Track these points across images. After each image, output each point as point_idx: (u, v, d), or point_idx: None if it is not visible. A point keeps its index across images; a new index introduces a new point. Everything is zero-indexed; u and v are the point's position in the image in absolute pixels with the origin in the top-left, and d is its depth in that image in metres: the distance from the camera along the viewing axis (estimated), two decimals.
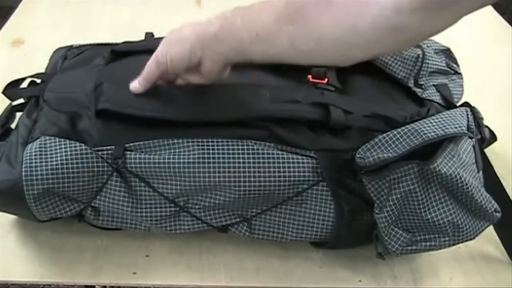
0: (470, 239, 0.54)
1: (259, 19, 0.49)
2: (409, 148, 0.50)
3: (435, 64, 0.64)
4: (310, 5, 0.46)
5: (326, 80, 0.59)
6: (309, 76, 0.59)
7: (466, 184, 0.51)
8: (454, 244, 0.54)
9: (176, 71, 0.54)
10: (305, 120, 0.54)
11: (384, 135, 0.51)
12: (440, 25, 0.44)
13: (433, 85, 0.64)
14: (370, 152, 0.51)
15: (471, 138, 0.55)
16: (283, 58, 0.49)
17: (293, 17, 0.47)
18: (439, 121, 0.52)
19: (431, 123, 0.52)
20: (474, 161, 0.55)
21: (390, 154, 0.50)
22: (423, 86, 0.63)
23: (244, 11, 0.50)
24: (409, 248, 0.53)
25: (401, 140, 0.50)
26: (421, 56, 0.62)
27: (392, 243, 0.53)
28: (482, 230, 0.55)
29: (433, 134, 0.50)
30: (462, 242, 0.54)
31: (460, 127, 0.52)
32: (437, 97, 0.62)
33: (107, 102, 0.55)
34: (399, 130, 0.51)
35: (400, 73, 0.62)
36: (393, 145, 0.50)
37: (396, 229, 0.53)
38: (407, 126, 0.51)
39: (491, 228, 0.59)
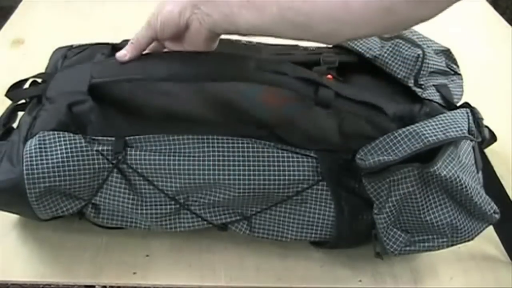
0: (469, 240, 0.55)
1: None
2: (410, 152, 0.50)
3: (435, 64, 0.64)
4: None
5: (331, 76, 0.58)
6: None
7: (466, 187, 0.51)
8: (452, 245, 0.55)
9: (164, 35, 0.54)
10: (290, 90, 0.53)
11: (385, 136, 0.51)
12: (430, 11, 0.44)
13: (433, 85, 0.64)
14: (370, 154, 0.51)
15: (471, 141, 0.55)
16: (270, 30, 0.49)
17: None
18: (440, 124, 0.52)
19: (432, 125, 0.52)
20: (473, 162, 0.55)
21: (390, 157, 0.50)
22: (423, 86, 0.63)
23: None
24: (407, 248, 0.54)
25: (402, 143, 0.51)
26: (421, 56, 0.62)
27: (390, 244, 0.53)
28: (481, 231, 0.55)
29: (434, 138, 0.50)
30: (460, 243, 0.55)
31: (461, 130, 0.52)
32: (437, 97, 0.62)
33: (99, 77, 0.55)
34: (400, 132, 0.51)
35: (400, 73, 0.62)
36: (393, 148, 0.51)
37: (394, 230, 0.53)
38: (408, 128, 0.51)
39: (491, 228, 0.59)
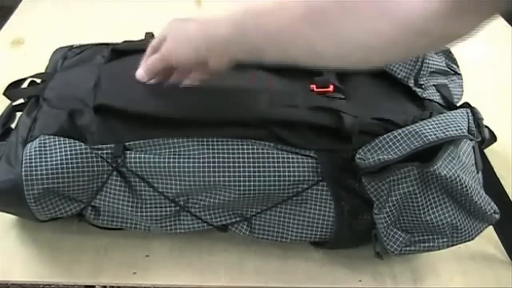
0: (469, 240, 0.55)
1: (274, 21, 0.47)
2: (410, 150, 0.50)
3: (435, 64, 0.64)
4: (333, 8, 0.45)
5: (331, 88, 0.58)
6: (313, 86, 0.58)
7: (466, 186, 0.51)
8: (452, 245, 0.54)
9: (180, 68, 0.54)
10: (317, 126, 0.54)
11: (385, 136, 0.51)
12: (464, 31, 0.43)
13: (433, 85, 0.64)
14: (370, 153, 0.51)
15: (471, 140, 0.55)
16: (297, 60, 0.48)
17: (314, 20, 0.45)
18: (440, 123, 0.52)
19: (432, 125, 0.52)
20: (473, 162, 0.55)
21: (390, 156, 0.50)
22: (423, 86, 0.63)
23: (256, 13, 0.48)
24: (407, 248, 0.54)
25: (401, 141, 0.50)
26: (421, 56, 0.62)
27: (390, 244, 0.53)
28: (481, 231, 0.55)
29: (434, 136, 0.50)
30: (460, 243, 0.54)
31: (461, 129, 0.52)
32: (437, 97, 0.62)
33: (104, 98, 0.55)
34: (399, 131, 0.51)
35: (400, 73, 0.62)
36: (393, 147, 0.50)
37: (395, 230, 0.53)
38: (407, 127, 0.51)
39: (491, 228, 0.59)
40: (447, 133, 0.51)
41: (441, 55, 0.68)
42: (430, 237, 0.54)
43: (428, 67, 0.63)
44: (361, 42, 0.44)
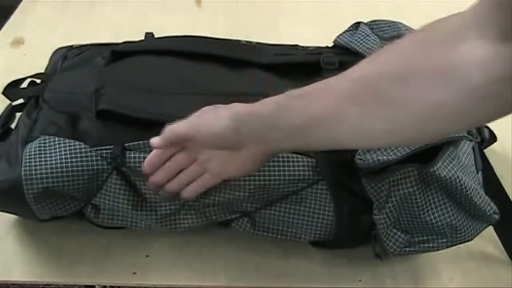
0: (468, 241, 0.55)
1: (318, 102, 0.43)
2: (409, 151, 0.50)
3: None
4: (383, 82, 0.40)
5: None
6: None
7: (465, 187, 0.51)
8: (452, 246, 0.55)
9: (199, 152, 0.50)
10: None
11: None
12: None
13: None
14: (370, 154, 0.51)
15: (471, 141, 0.55)
16: (345, 143, 0.44)
17: (363, 97, 0.41)
18: None
19: None
20: (473, 163, 0.55)
21: (390, 157, 0.50)
22: None
23: (298, 95, 0.45)
24: (407, 249, 0.54)
25: None
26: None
27: (390, 244, 0.53)
28: (480, 232, 0.55)
29: None
30: (459, 243, 0.55)
31: None
32: None
33: (109, 103, 0.55)
34: None
35: None
36: (392, 148, 0.50)
37: (394, 231, 0.53)
38: None
39: (491, 228, 0.59)
40: None
41: None
42: (430, 237, 0.54)
43: None
44: (419, 114, 0.39)
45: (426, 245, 0.54)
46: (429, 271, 0.59)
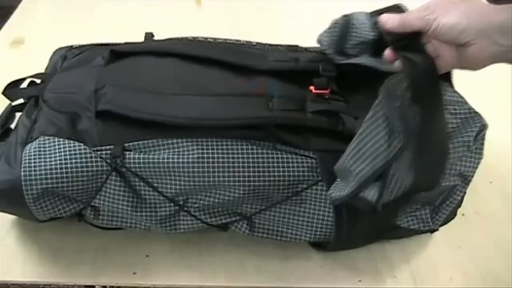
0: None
1: None
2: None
3: None
4: None
5: (329, 90, 0.57)
6: (311, 88, 0.57)
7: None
8: (467, 186, 0.56)
9: (436, 38, 0.51)
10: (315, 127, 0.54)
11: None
12: None
13: None
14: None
15: None
16: None
17: None
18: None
19: None
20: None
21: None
22: None
23: None
24: (440, 216, 0.57)
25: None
26: None
27: (429, 224, 0.56)
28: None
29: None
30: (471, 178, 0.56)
31: None
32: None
33: (108, 104, 0.55)
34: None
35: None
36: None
37: (421, 211, 0.56)
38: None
39: (491, 228, 0.59)
40: None
41: None
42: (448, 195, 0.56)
43: None
44: None
45: (449, 201, 0.57)
46: (429, 271, 0.60)
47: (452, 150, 0.53)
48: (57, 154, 0.52)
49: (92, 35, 0.87)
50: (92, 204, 0.55)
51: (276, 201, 0.55)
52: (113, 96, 0.56)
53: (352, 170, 0.48)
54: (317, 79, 0.58)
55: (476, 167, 0.55)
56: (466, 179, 0.56)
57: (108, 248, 0.59)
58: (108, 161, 0.53)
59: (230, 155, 0.52)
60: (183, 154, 0.52)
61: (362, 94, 0.59)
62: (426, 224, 0.57)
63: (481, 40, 0.48)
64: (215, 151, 0.53)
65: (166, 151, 0.53)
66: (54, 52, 0.68)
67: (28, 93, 0.62)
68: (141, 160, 0.52)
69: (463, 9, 0.48)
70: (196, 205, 0.55)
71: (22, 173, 0.51)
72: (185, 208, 0.55)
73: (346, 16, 0.58)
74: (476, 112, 0.54)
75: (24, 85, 0.64)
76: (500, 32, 0.46)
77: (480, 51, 0.48)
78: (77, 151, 0.52)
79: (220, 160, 0.52)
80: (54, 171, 0.51)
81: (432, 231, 0.59)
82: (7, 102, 0.62)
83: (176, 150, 0.53)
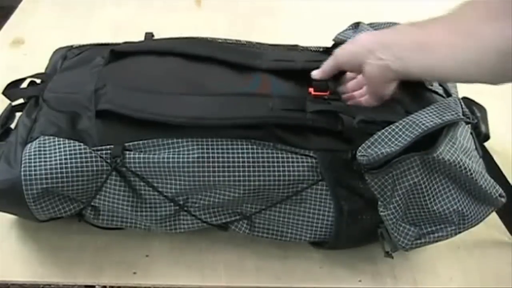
0: (475, 225, 0.54)
1: (426, 30, 0.51)
2: (410, 139, 0.50)
3: None
4: (472, 17, 0.48)
5: (328, 92, 0.57)
6: (311, 90, 0.57)
7: (470, 170, 0.51)
8: (459, 232, 0.54)
9: (344, 69, 0.58)
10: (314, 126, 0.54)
11: (383, 130, 0.51)
12: None
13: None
14: (371, 149, 0.51)
15: (467, 123, 0.55)
16: (438, 71, 0.51)
17: (457, 29, 0.49)
18: (435, 110, 0.53)
19: (427, 113, 0.52)
20: (474, 147, 0.55)
21: (392, 148, 0.50)
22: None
23: (417, 24, 0.53)
24: (418, 241, 0.54)
25: (400, 133, 0.50)
26: None
27: (401, 239, 0.53)
28: (487, 216, 0.55)
29: (431, 123, 0.50)
30: (467, 229, 0.54)
31: (456, 113, 0.53)
32: (440, 90, 0.62)
33: (109, 103, 0.55)
34: (397, 124, 0.51)
35: None
36: (393, 139, 0.50)
37: (403, 225, 0.53)
38: (404, 119, 0.51)
39: (490, 228, 0.59)
40: (443, 118, 0.52)
41: None
42: (439, 227, 0.53)
43: None
44: (502, 50, 0.46)
45: (436, 234, 0.53)
46: (429, 271, 0.60)
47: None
48: (57, 154, 0.52)
49: (92, 35, 0.88)
50: (92, 204, 0.55)
51: (276, 200, 0.55)
52: (113, 96, 0.56)
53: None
54: (316, 82, 0.58)
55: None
56: (464, 220, 0.54)
57: (108, 248, 0.59)
58: (108, 161, 0.53)
59: (230, 155, 0.52)
60: (183, 154, 0.52)
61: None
62: (405, 241, 0.54)
63: (369, 60, 0.53)
64: (215, 150, 0.53)
65: (166, 151, 0.53)
66: (54, 52, 0.68)
67: (28, 93, 0.62)
68: (141, 160, 0.52)
69: (357, 38, 0.56)
70: (196, 205, 0.55)
71: (22, 173, 0.51)
72: (185, 208, 0.55)
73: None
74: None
75: (24, 85, 0.64)
76: (381, 47, 0.52)
77: (371, 68, 0.53)
78: (77, 151, 0.52)
79: (220, 159, 0.52)
80: (54, 171, 0.51)
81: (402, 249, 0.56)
82: (7, 102, 0.62)
83: (176, 149, 0.53)
